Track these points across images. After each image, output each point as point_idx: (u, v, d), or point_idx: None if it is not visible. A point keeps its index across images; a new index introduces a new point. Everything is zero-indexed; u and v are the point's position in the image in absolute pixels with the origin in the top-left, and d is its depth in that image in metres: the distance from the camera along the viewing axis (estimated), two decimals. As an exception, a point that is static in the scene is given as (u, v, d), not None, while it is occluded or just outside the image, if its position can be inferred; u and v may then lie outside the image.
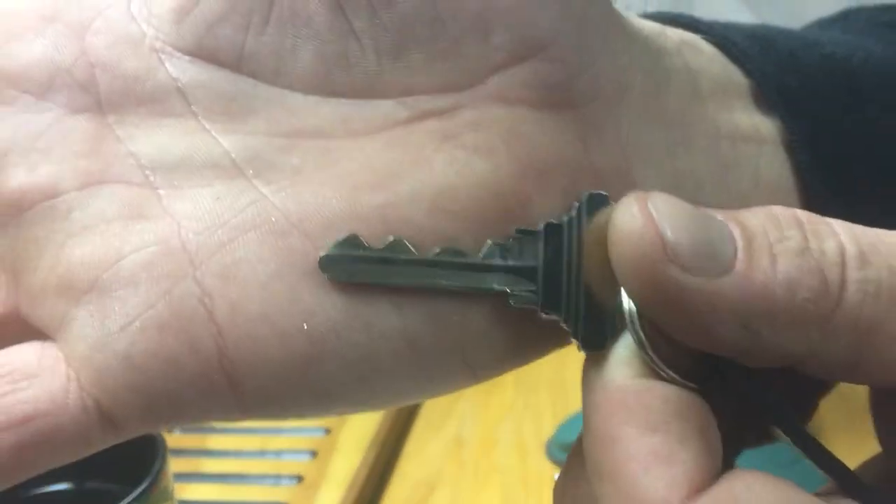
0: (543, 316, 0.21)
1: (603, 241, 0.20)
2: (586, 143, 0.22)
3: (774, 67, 0.28)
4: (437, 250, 0.21)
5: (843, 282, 0.19)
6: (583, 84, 0.22)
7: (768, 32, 0.30)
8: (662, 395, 0.20)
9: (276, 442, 0.65)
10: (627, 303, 0.21)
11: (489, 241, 0.21)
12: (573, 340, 0.21)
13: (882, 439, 0.22)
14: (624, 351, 0.21)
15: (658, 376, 0.20)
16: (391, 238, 0.21)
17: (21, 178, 0.21)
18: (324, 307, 0.21)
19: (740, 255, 0.19)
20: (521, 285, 0.21)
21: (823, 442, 0.21)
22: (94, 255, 0.21)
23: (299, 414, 0.22)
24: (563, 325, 0.21)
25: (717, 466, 0.19)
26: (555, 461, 0.63)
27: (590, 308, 0.21)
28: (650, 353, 0.20)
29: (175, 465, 0.47)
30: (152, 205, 0.21)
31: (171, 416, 0.21)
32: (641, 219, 0.19)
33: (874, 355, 0.20)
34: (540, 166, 0.22)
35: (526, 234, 0.21)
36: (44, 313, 0.21)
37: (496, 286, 0.21)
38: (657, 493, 0.19)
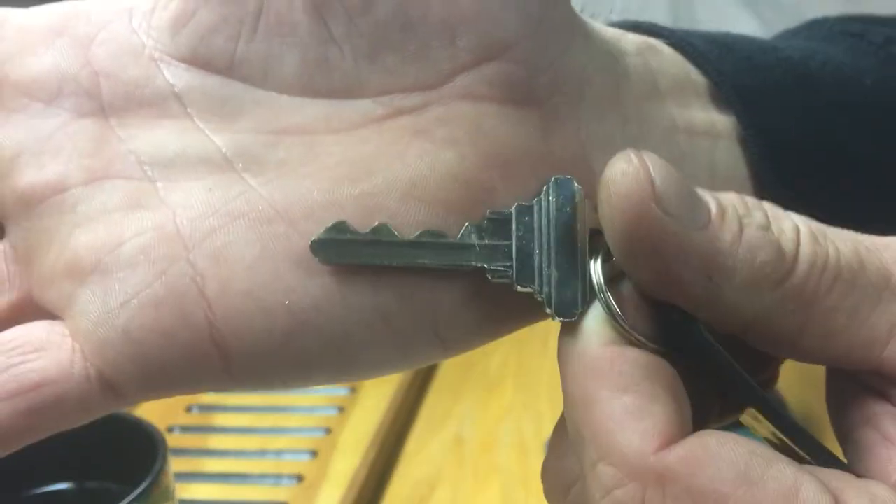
0: (519, 289, 0.23)
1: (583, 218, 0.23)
2: (547, 136, 0.24)
3: (731, 68, 0.30)
4: (419, 232, 0.23)
5: (796, 255, 0.22)
6: (543, 82, 0.24)
7: (727, 38, 0.32)
8: (632, 358, 0.21)
9: (277, 442, 0.66)
10: (597, 275, 0.22)
11: (466, 223, 0.23)
12: (547, 310, 0.23)
13: (833, 424, 0.23)
14: (594, 321, 0.22)
15: (627, 342, 0.22)
16: (376, 223, 0.23)
17: (32, 176, 0.24)
18: (304, 285, 0.22)
19: (714, 217, 0.22)
20: (497, 261, 0.23)
21: (820, 439, 0.22)
22: (98, 240, 0.23)
23: (285, 384, 0.24)
24: (537, 297, 0.23)
25: (688, 424, 0.21)
26: (555, 461, 0.63)
27: (561, 280, 0.23)
28: (619, 320, 0.22)
29: (176, 464, 0.47)
30: (150, 196, 0.23)
31: (167, 385, 0.23)
32: (637, 163, 0.21)
33: (815, 327, 0.22)
34: (503, 157, 0.24)
35: (499, 216, 0.23)
36: (52, 295, 0.23)
37: (474, 263, 0.23)
38: (632, 446, 0.20)
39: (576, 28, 0.25)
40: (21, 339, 0.23)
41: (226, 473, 0.63)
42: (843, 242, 0.22)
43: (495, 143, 0.23)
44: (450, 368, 0.76)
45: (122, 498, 0.42)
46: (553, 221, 0.23)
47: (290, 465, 0.63)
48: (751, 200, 0.22)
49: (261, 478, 0.62)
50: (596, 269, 0.23)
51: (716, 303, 0.22)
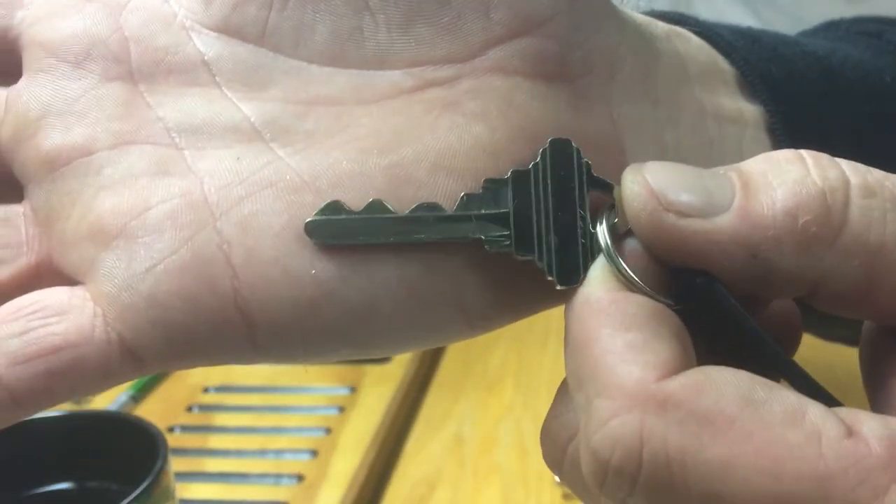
0: (519, 258, 0.22)
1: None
2: (577, 113, 0.24)
3: (758, 58, 0.30)
4: (414, 206, 0.22)
5: (846, 205, 0.20)
6: (576, 59, 0.24)
7: (752, 31, 0.32)
8: (638, 301, 0.21)
9: (277, 441, 0.66)
10: (604, 237, 0.22)
11: (462, 194, 0.22)
12: (549, 277, 0.22)
13: (865, 379, 0.22)
14: (601, 272, 0.22)
15: (635, 292, 0.21)
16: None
17: (58, 137, 0.24)
18: (331, 255, 0.22)
19: (738, 193, 0.21)
20: (495, 231, 0.22)
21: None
22: (124, 205, 0.23)
23: (308, 355, 0.23)
24: (538, 264, 0.22)
25: (692, 365, 0.20)
26: (555, 461, 0.63)
27: (561, 246, 0.22)
28: (629, 275, 0.21)
29: (176, 464, 0.47)
30: (178, 163, 0.23)
31: (189, 353, 0.23)
32: (640, 179, 0.21)
33: (885, 281, 0.21)
34: (533, 131, 0.23)
35: (495, 184, 0.22)
36: (75, 258, 0.23)
37: (471, 234, 0.22)
38: (632, 377, 0.20)
39: (608, 8, 0.25)
40: (41, 304, 0.22)
41: (226, 473, 0.63)
42: None
43: (526, 118, 0.23)
44: (450, 368, 0.76)
45: (123, 498, 0.42)
46: (551, 186, 0.23)
47: (290, 464, 0.63)
48: (783, 155, 0.21)
49: (261, 477, 0.62)
50: (602, 230, 0.22)
51: (773, 276, 0.21)
